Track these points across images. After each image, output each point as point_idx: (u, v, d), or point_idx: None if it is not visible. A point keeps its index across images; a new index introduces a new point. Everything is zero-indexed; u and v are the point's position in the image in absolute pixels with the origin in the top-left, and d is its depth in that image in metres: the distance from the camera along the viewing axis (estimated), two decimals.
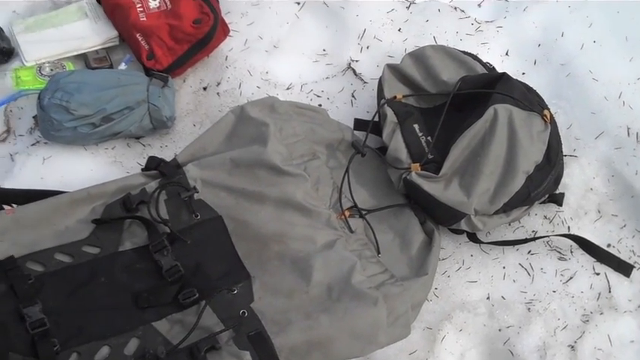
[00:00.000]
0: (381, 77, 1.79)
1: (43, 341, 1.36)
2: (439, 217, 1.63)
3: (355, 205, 1.61)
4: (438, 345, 1.59)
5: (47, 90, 1.81)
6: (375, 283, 1.47)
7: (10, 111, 1.95)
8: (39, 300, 1.41)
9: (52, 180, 1.77)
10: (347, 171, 1.62)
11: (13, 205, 1.63)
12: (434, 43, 1.99)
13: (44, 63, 2.01)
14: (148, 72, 1.93)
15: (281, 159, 1.60)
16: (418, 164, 1.62)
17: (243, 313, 1.42)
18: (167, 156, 1.72)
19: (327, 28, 2.08)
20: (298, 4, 2.11)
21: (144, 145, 1.88)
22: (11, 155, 1.87)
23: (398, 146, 1.66)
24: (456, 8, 2.09)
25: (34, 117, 1.91)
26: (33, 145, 1.88)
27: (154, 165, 1.66)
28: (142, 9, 2.00)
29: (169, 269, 1.48)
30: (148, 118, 1.83)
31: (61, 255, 1.50)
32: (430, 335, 1.60)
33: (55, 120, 1.78)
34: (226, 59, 2.02)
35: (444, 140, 1.65)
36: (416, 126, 1.70)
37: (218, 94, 1.96)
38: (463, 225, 1.60)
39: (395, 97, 1.74)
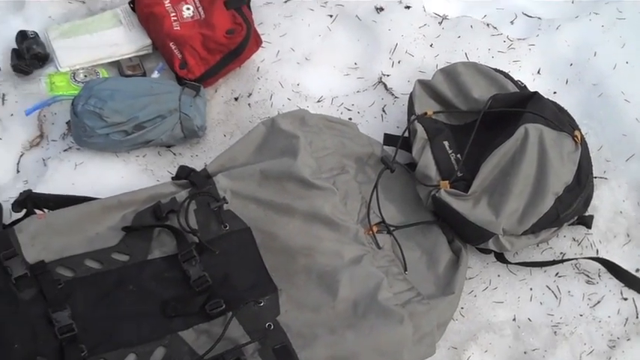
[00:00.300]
0: (411, 93, 1.79)
1: (71, 347, 1.38)
2: (467, 235, 1.63)
3: (383, 221, 1.62)
4: None
5: (81, 96, 1.83)
6: (401, 301, 1.47)
7: (44, 116, 1.97)
8: (68, 305, 1.43)
9: (84, 186, 1.78)
10: (376, 186, 1.62)
11: (45, 210, 1.64)
12: (465, 60, 1.99)
13: (78, 69, 2.03)
14: (181, 81, 1.95)
15: (310, 172, 1.61)
16: (447, 182, 1.62)
17: (269, 325, 1.43)
18: (197, 165, 1.74)
19: (359, 41, 2.08)
20: (331, 16, 2.12)
21: (174, 154, 1.89)
22: (44, 160, 1.89)
23: (427, 163, 1.66)
24: (488, 25, 2.09)
25: (67, 123, 1.93)
26: (65, 150, 1.90)
27: (184, 174, 1.67)
28: (175, 18, 2.02)
29: (197, 279, 1.49)
30: (180, 127, 1.84)
31: (91, 261, 1.52)
32: (455, 355, 1.59)
33: (88, 126, 1.80)
34: (258, 70, 2.03)
35: (474, 158, 1.65)
36: (446, 143, 1.70)
37: (249, 104, 1.98)
38: (491, 245, 1.60)
39: (425, 113, 1.74)
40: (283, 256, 1.53)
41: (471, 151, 1.66)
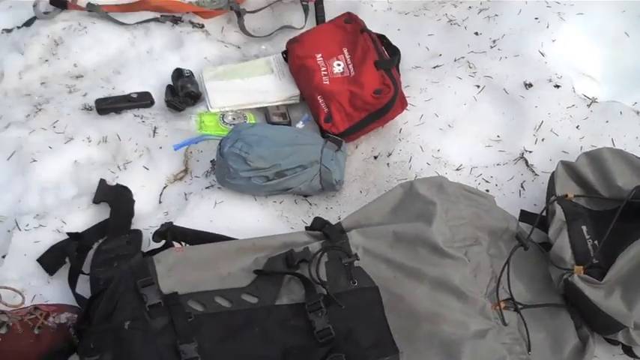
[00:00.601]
0: (553, 172, 1.78)
1: None
2: (596, 324, 1.59)
3: (512, 298, 1.60)
4: None
5: (229, 138, 1.90)
6: None
7: (190, 152, 2.06)
8: (195, 339, 1.47)
9: (221, 224, 1.84)
10: (508, 262, 1.61)
11: (183, 243, 1.71)
12: (612, 146, 1.96)
13: (227, 111, 2.12)
14: (324, 134, 2.00)
15: (443, 240, 1.61)
16: (582, 267, 1.60)
17: None
18: (331, 217, 1.77)
19: (504, 115, 2.09)
20: (478, 87, 2.14)
21: (310, 204, 1.94)
22: (185, 194, 1.97)
23: (563, 245, 1.64)
24: (638, 112, 2.05)
25: (211, 161, 2.01)
26: (207, 188, 1.97)
27: (319, 226, 1.71)
28: (326, 73, 2.08)
29: (321, 330, 1.51)
30: (319, 178, 1.89)
31: (221, 299, 1.56)
32: None
33: (232, 168, 1.87)
34: (400, 132, 2.06)
35: (612, 247, 1.62)
36: (584, 228, 1.67)
37: (388, 164, 2.01)
38: (620, 337, 1.56)
39: (566, 195, 1.73)
40: (408, 319, 1.53)
41: (609, 240, 1.63)
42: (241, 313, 1.54)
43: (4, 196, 1.99)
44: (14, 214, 1.94)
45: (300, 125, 2.10)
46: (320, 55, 2.14)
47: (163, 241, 1.71)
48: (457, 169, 1.98)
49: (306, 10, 2.45)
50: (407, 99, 2.08)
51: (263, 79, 2.22)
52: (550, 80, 2.12)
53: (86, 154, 2.08)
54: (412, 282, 1.58)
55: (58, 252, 1.84)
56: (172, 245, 1.69)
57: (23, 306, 1.69)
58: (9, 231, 1.91)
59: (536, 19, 2.25)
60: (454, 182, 1.79)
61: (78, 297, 1.73)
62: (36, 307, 1.68)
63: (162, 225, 1.74)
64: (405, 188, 1.75)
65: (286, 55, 2.25)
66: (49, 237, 1.88)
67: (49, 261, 1.83)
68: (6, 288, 1.67)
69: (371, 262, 1.62)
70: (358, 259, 1.61)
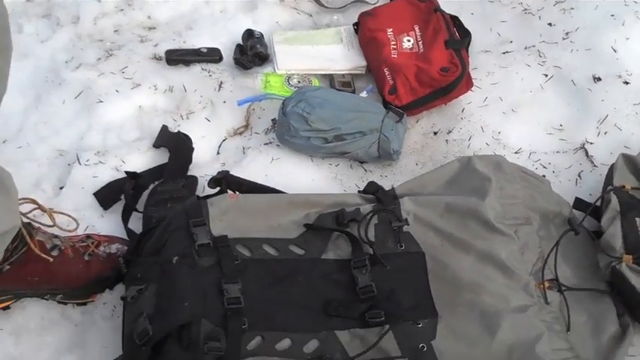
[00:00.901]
0: (613, 164, 1.77)
1: (235, 317, 1.43)
2: (639, 313, 1.58)
3: (556, 279, 1.59)
4: None
5: (292, 99, 1.92)
6: (558, 358, 1.44)
7: (253, 109, 2.09)
8: (239, 280, 1.50)
9: (276, 179, 1.86)
10: (557, 244, 1.60)
11: (236, 192, 1.74)
12: None
13: (293, 74, 2.14)
14: (386, 105, 2.00)
15: (495, 215, 1.61)
16: (631, 256, 1.59)
17: (422, 347, 1.44)
18: (385, 185, 1.76)
19: (569, 105, 2.08)
20: (546, 75, 2.13)
21: (365, 170, 1.95)
22: (244, 148, 2.00)
23: (615, 234, 1.63)
24: None
25: (272, 120, 2.04)
26: (265, 144, 2.00)
27: (372, 190, 1.72)
28: (395, 47, 2.10)
29: (364, 287, 1.52)
30: (377, 146, 1.90)
31: (269, 247, 1.58)
32: None
33: (293, 127, 1.89)
34: (463, 111, 2.07)
35: None
36: (637, 220, 1.66)
37: (447, 141, 2.01)
38: None
39: (623, 186, 1.71)
40: (450, 286, 1.54)
41: None
42: (287, 262, 1.57)
43: (68, 132, 2.05)
44: (76, 150, 1.99)
45: (363, 94, 2.11)
46: (391, 29, 2.15)
47: (218, 188, 1.74)
48: (516, 153, 1.97)
49: None
50: (473, 80, 2.08)
51: (331, 48, 2.24)
52: (619, 76, 2.10)
53: (151, 101, 2.12)
54: (458, 252, 1.58)
55: (114, 188, 1.88)
56: (226, 193, 1.72)
57: (76, 233, 1.74)
58: (69, 164, 1.96)
59: (612, 15, 2.23)
60: (512, 163, 1.78)
61: (129, 232, 1.77)
62: (88, 236, 1.72)
63: (218, 172, 1.77)
64: (463, 162, 1.75)
65: (357, 27, 2.26)
66: (107, 174, 1.93)
67: (105, 196, 1.88)
68: (62, 213, 1.72)
69: (420, 229, 1.62)
70: (408, 225, 1.62)
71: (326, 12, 2.42)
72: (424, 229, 1.62)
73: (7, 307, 1.67)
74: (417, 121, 2.06)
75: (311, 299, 1.52)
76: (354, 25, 2.28)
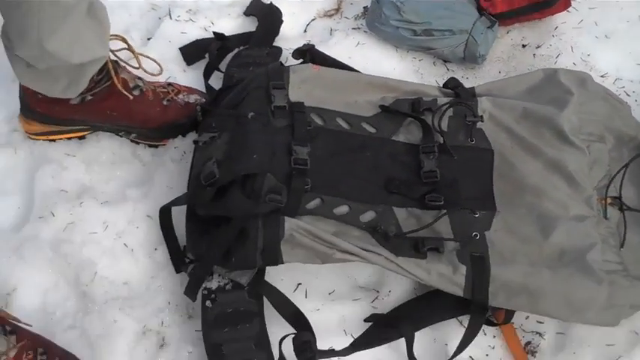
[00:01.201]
0: None
1: (299, 177, 1.48)
2: None
3: (620, 197, 1.59)
4: (638, 350, 1.54)
5: None
6: (607, 268, 1.45)
7: None
8: (309, 145, 1.53)
9: (358, 63, 1.88)
10: (626, 165, 1.59)
11: (318, 66, 1.76)
12: None
13: None
14: (480, 11, 1.98)
15: (570, 127, 1.60)
16: None
17: (475, 235, 1.47)
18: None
19: None
20: None
21: (447, 69, 1.95)
22: (331, 30, 2.02)
23: None
24: None
25: (364, 7, 2.05)
26: (354, 29, 2.02)
27: (452, 84, 1.72)
28: None
29: (428, 171, 1.55)
30: (463, 47, 1.90)
31: (342, 120, 1.61)
32: (633, 339, 1.54)
33: (385, 14, 1.90)
34: (555, 29, 2.03)
35: None
36: None
37: (534, 55, 1.99)
38: None
39: None
40: (513, 186, 1.55)
41: None
42: (357, 137, 1.60)
43: None
44: (168, 4, 2.03)
45: None
46: None
47: (301, 60, 1.77)
48: (601, 76, 1.94)
49: None
50: (572, 1, 2.04)
51: None
52: None
53: None
54: (528, 156, 1.58)
55: (200, 46, 1.93)
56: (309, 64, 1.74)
57: (159, 80, 1.78)
58: (160, 18, 2.01)
59: None
60: (597, 82, 1.76)
61: (209, 87, 1.82)
62: (169, 84, 1.78)
63: (304, 44, 1.79)
64: (547, 73, 1.73)
65: None
66: (195, 32, 1.98)
67: (190, 52, 1.93)
68: (148, 57, 1.76)
69: (493, 128, 1.63)
70: (482, 122, 1.62)
71: None
72: (497, 129, 1.63)
73: (82, 137, 1.75)
74: (508, 32, 2.04)
75: (375, 174, 1.55)
76: None
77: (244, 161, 1.47)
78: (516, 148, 1.60)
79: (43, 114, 1.68)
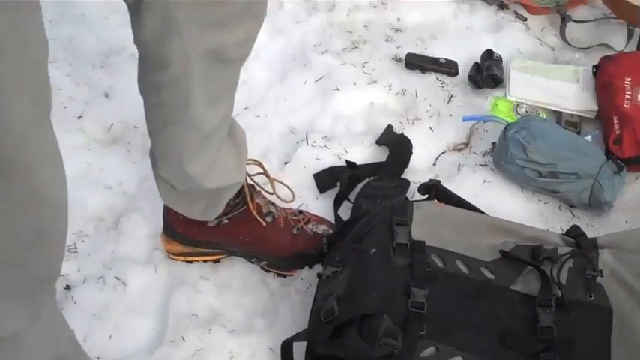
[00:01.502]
0: None
1: (415, 321, 1.51)
2: None
3: None
4: None
5: (516, 124, 1.97)
6: None
7: (476, 129, 2.15)
8: (427, 288, 1.57)
9: (482, 201, 1.89)
10: None
11: (442, 204, 1.81)
12: None
13: (523, 103, 2.19)
14: (608, 154, 2.00)
15: None
16: None
17: None
18: (589, 235, 1.74)
19: None
20: None
21: (573, 215, 1.95)
22: (459, 165, 2.07)
23: None
24: None
25: (492, 143, 2.08)
26: (481, 165, 2.06)
27: (574, 233, 1.73)
28: (629, 97, 2.08)
29: (545, 327, 1.54)
30: (588, 193, 1.90)
31: (462, 264, 1.64)
32: None
33: (511, 152, 1.93)
34: None
35: None
36: None
37: None
38: None
39: None
40: (634, 351, 1.52)
41: None
42: (475, 283, 1.61)
43: (302, 112, 2.21)
44: (306, 130, 2.14)
45: (587, 139, 2.11)
46: (630, 79, 2.12)
47: (427, 196, 1.83)
48: None
49: (630, 34, 2.42)
50: None
51: (566, 86, 2.25)
52: None
53: (383, 99, 2.24)
54: None
55: (333, 174, 2.02)
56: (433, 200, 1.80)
57: (291, 207, 1.88)
58: (297, 143, 2.12)
59: None
60: None
61: (338, 218, 1.90)
62: (301, 212, 1.87)
63: (430, 180, 1.85)
64: None
65: (596, 70, 2.26)
66: (329, 159, 2.07)
67: (323, 180, 2.02)
68: (282, 184, 1.87)
69: (613, 285, 1.61)
70: (602, 277, 1.61)
71: (569, 49, 2.43)
72: (617, 287, 1.60)
73: (217, 261, 1.85)
74: (637, 179, 2.03)
75: (490, 324, 1.56)
76: (593, 67, 2.28)
77: (363, 299, 1.52)
78: (636, 309, 1.56)
79: (183, 234, 1.79)
